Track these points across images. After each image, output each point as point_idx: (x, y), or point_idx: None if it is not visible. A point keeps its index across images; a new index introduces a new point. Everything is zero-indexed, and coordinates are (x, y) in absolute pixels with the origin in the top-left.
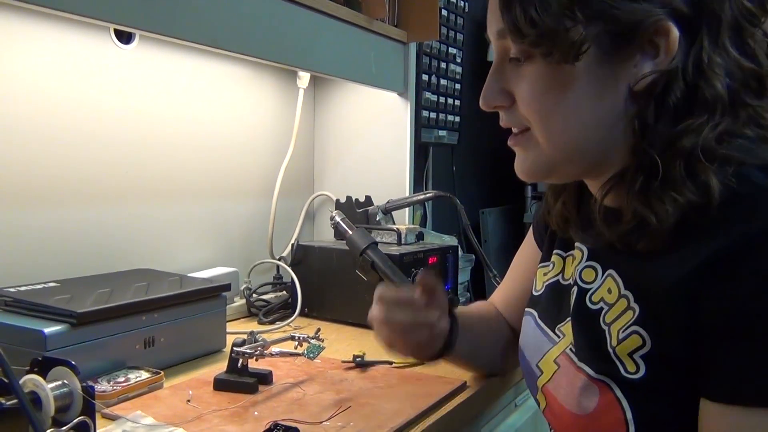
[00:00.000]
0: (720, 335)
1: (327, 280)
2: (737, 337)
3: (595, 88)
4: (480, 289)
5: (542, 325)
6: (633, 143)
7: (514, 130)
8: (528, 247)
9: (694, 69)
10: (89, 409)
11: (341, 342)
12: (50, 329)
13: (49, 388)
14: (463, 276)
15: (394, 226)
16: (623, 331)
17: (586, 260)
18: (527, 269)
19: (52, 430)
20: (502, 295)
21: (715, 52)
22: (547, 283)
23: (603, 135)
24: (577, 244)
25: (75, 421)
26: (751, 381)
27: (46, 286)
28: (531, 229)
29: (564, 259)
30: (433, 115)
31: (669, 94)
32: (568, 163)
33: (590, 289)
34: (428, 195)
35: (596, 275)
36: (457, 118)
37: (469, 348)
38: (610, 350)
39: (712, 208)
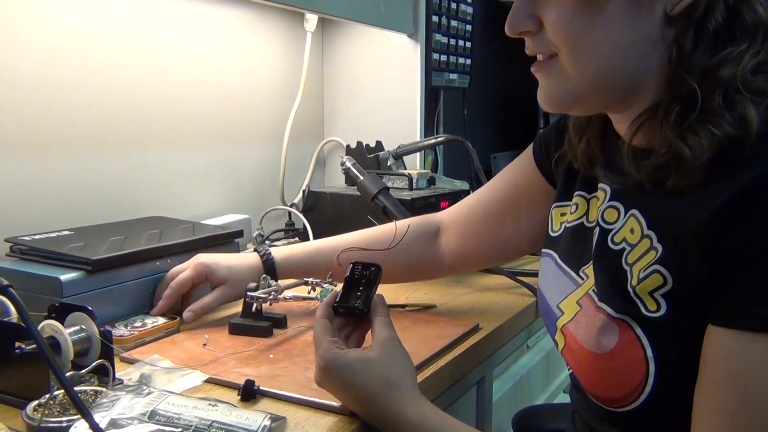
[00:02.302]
0: (739, 261)
1: (339, 225)
2: (758, 263)
3: (630, 10)
4: None
5: (565, 267)
6: (668, 73)
7: (540, 57)
8: (522, 167)
9: None
10: (108, 353)
11: None
12: (66, 276)
13: (67, 332)
14: None
15: (406, 171)
16: (644, 271)
17: (609, 200)
18: (512, 185)
19: (71, 373)
20: (473, 200)
21: None
22: (568, 225)
23: (635, 63)
24: (601, 184)
25: (94, 364)
26: (764, 307)
27: (60, 234)
28: (532, 150)
29: (588, 200)
30: (443, 57)
31: (709, 19)
32: (596, 92)
33: (612, 229)
34: (439, 139)
35: (618, 215)
36: (468, 61)
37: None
38: (630, 290)
39: (749, 141)
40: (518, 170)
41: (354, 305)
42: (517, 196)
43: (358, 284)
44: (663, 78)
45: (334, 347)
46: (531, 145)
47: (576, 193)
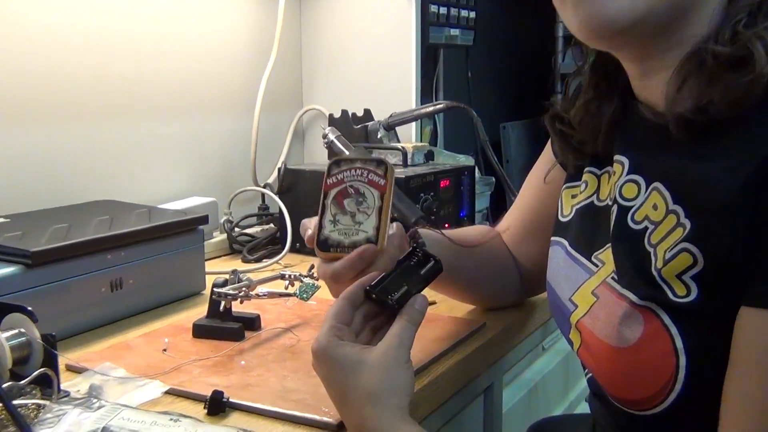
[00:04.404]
0: None
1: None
2: None
3: None
4: (501, 217)
5: (575, 254)
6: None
7: None
8: (544, 164)
9: None
10: (51, 360)
11: None
12: (1, 271)
13: (3, 337)
14: (482, 202)
15: (399, 144)
16: (670, 251)
17: (628, 173)
18: (541, 190)
19: (9, 384)
20: (508, 222)
21: None
22: (577, 206)
23: None
24: (617, 157)
25: (35, 373)
26: None
27: None
28: (549, 142)
29: (599, 177)
30: (443, 10)
31: None
32: (648, 13)
33: (632, 206)
34: (439, 106)
35: (639, 190)
36: (473, 14)
37: (466, 274)
38: (655, 273)
39: None
40: (540, 171)
41: (386, 297)
42: (545, 201)
43: (409, 274)
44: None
45: (334, 334)
46: (548, 142)
47: (586, 169)
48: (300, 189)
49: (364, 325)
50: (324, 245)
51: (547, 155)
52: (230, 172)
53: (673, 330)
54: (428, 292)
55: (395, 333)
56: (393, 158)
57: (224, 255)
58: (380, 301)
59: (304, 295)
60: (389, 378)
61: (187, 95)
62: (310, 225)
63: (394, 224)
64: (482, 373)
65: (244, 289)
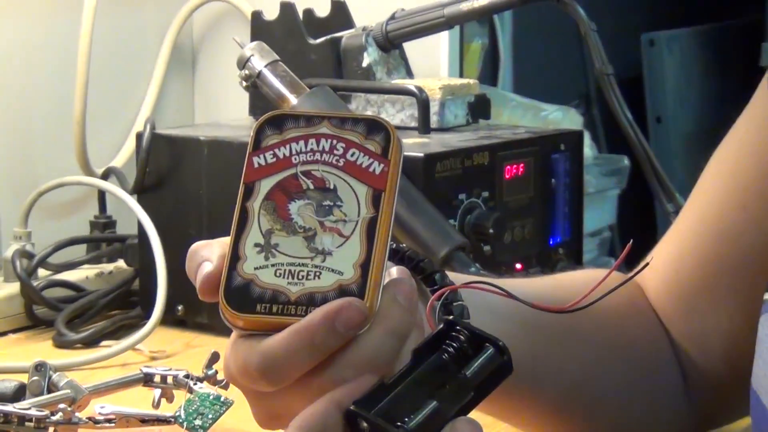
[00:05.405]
0: None
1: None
2: None
3: None
4: (643, 246)
5: None
6: None
7: None
8: (755, 131)
9: None
10: None
11: None
12: None
13: None
14: (600, 214)
15: (411, 83)
16: None
17: None
18: (745, 190)
19: None
20: (664, 262)
21: None
22: None
23: None
24: None
25: None
26: None
27: None
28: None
29: None
30: None
31: None
32: None
33: None
34: None
35: None
36: None
37: (562, 379)
38: None
39: None
40: (743, 146)
41: (392, 426)
42: (752, 213)
43: (438, 379)
44: None
45: None
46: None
47: None
48: (185, 181)
49: None
50: (241, 298)
51: (762, 107)
52: (29, 145)
53: None
54: (479, 416)
55: None
56: (397, 113)
57: (17, 329)
58: None
59: (197, 422)
60: None
61: None
62: (211, 255)
63: (394, 269)
64: None
65: (60, 408)
